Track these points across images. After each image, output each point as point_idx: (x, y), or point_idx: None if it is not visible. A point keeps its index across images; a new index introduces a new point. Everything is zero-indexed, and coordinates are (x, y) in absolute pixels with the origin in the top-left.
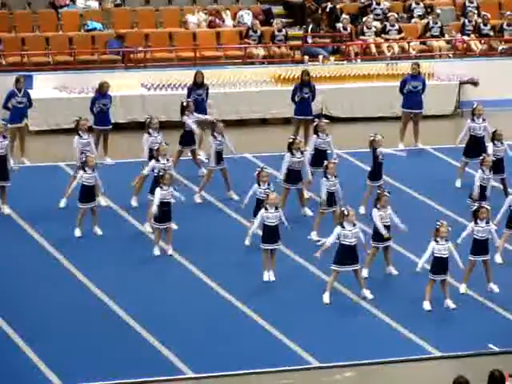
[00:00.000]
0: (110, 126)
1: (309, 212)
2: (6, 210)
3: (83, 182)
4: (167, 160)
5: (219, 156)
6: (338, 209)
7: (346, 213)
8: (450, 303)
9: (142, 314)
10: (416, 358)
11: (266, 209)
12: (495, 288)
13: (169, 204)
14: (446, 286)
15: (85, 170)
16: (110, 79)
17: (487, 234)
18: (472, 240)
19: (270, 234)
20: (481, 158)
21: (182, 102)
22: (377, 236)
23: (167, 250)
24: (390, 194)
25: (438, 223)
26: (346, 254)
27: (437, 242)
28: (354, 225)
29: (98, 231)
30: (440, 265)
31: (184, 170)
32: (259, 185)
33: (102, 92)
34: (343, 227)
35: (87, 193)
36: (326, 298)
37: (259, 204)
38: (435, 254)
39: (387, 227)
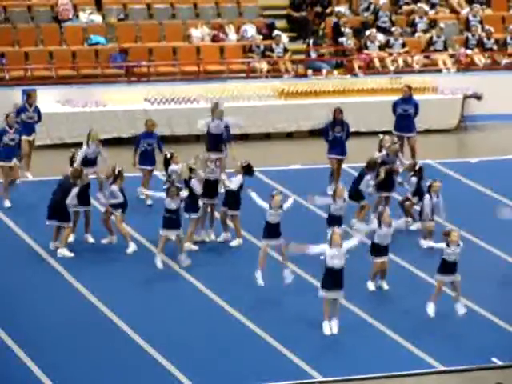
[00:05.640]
0: (154, 166)
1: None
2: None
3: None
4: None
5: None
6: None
7: (330, 234)
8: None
9: (145, 330)
10: (420, 372)
11: (271, 207)
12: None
13: (176, 211)
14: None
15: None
16: (113, 93)
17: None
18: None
19: (271, 230)
20: None
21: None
22: (374, 250)
23: (181, 259)
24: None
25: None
26: (331, 278)
27: (448, 246)
28: (341, 246)
29: (90, 239)
30: (448, 267)
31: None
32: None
33: (147, 131)
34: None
35: (82, 193)
36: (327, 328)
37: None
38: (443, 256)
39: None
